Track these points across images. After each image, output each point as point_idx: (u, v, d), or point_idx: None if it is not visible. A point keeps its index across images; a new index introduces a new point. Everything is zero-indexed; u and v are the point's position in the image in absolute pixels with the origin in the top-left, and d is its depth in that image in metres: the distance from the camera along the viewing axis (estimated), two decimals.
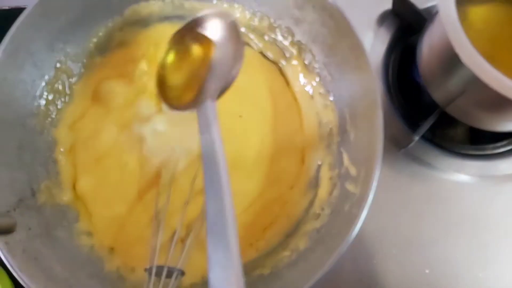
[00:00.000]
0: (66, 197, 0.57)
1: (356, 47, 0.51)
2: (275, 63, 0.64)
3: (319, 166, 0.59)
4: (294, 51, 0.62)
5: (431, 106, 0.63)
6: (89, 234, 0.56)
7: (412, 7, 0.67)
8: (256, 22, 0.63)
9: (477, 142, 0.67)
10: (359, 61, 0.51)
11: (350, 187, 0.51)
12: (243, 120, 0.60)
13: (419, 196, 0.65)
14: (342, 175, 0.54)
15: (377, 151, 0.47)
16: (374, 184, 0.46)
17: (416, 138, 0.63)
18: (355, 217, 0.45)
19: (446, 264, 0.62)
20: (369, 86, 0.50)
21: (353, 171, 0.52)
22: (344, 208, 0.50)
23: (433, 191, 0.65)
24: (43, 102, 0.58)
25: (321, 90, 0.60)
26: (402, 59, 0.69)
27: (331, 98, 0.59)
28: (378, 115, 0.48)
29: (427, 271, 0.62)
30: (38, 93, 0.57)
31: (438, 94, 0.61)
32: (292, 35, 0.61)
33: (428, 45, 0.60)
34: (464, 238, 0.63)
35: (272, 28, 0.63)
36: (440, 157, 0.66)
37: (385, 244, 0.63)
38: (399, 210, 0.64)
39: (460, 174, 0.65)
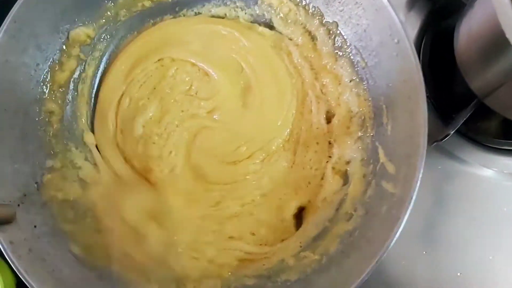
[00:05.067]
0: (72, 192, 0.53)
1: (396, 30, 0.46)
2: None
3: (349, 161, 0.54)
4: (323, 34, 0.57)
5: (468, 97, 0.58)
6: (99, 231, 0.52)
7: None
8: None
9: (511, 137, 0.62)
10: (399, 45, 0.46)
11: (387, 186, 0.46)
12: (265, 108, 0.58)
13: (450, 193, 0.61)
14: (377, 172, 0.49)
15: (420, 147, 0.43)
16: (417, 184, 0.41)
17: (451, 131, 0.58)
18: (396, 219, 0.41)
19: (480, 266, 0.58)
20: (411, 75, 0.45)
21: (391, 168, 0.47)
22: (381, 209, 0.45)
23: (465, 188, 0.61)
24: (47, 88, 0.53)
25: (353, 77, 0.55)
26: (434, 45, 0.64)
27: (365, 87, 0.54)
28: (421, 107, 0.44)
29: (459, 273, 0.58)
30: (42, 78, 0.53)
31: (477, 83, 0.56)
32: (321, 15, 0.56)
33: (468, 29, 0.55)
34: (500, 238, 0.59)
35: (298, 8, 0.58)
36: (473, 152, 0.62)
37: (414, 245, 0.59)
38: (429, 208, 0.60)
39: (494, 170, 0.61)
